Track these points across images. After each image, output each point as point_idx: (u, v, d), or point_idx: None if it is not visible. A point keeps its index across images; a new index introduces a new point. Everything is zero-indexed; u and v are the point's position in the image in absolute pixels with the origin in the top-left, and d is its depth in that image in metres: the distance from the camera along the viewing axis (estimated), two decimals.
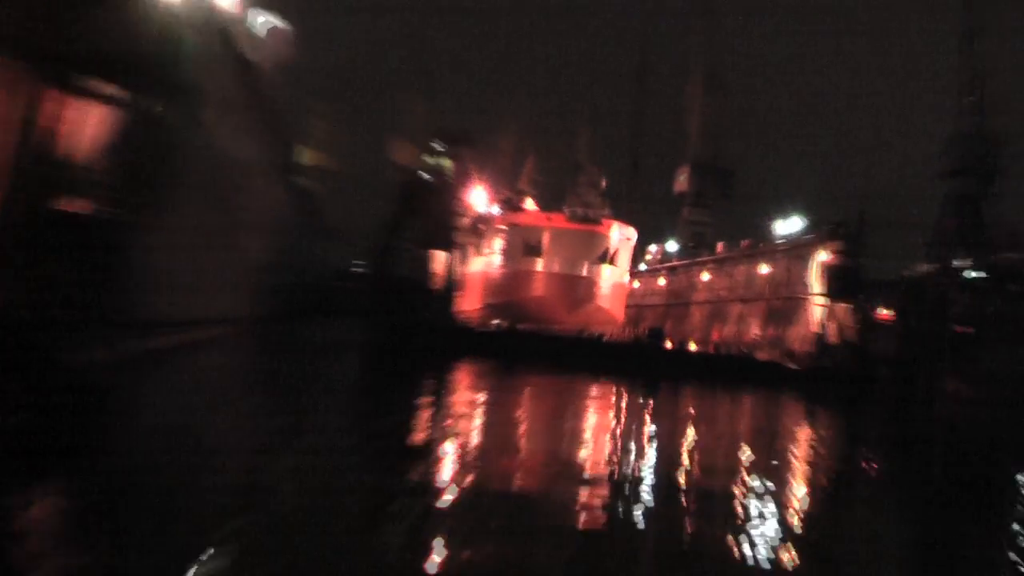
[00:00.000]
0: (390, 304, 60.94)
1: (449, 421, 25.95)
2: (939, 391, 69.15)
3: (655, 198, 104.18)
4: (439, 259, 63.41)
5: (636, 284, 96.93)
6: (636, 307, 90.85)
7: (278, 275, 57.73)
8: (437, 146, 64.32)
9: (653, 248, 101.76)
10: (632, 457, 21.99)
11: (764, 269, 72.62)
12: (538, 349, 59.06)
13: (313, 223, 79.48)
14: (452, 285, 62.80)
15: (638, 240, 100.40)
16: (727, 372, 58.50)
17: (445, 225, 61.44)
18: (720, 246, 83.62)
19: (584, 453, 22.40)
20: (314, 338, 56.38)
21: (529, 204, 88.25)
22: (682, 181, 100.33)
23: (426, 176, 63.37)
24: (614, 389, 43.01)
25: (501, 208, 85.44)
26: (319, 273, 75.79)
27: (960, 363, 67.97)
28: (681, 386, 48.25)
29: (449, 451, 20.80)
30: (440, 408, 29.19)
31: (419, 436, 23.16)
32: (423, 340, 54.70)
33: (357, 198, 77.54)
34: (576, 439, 24.70)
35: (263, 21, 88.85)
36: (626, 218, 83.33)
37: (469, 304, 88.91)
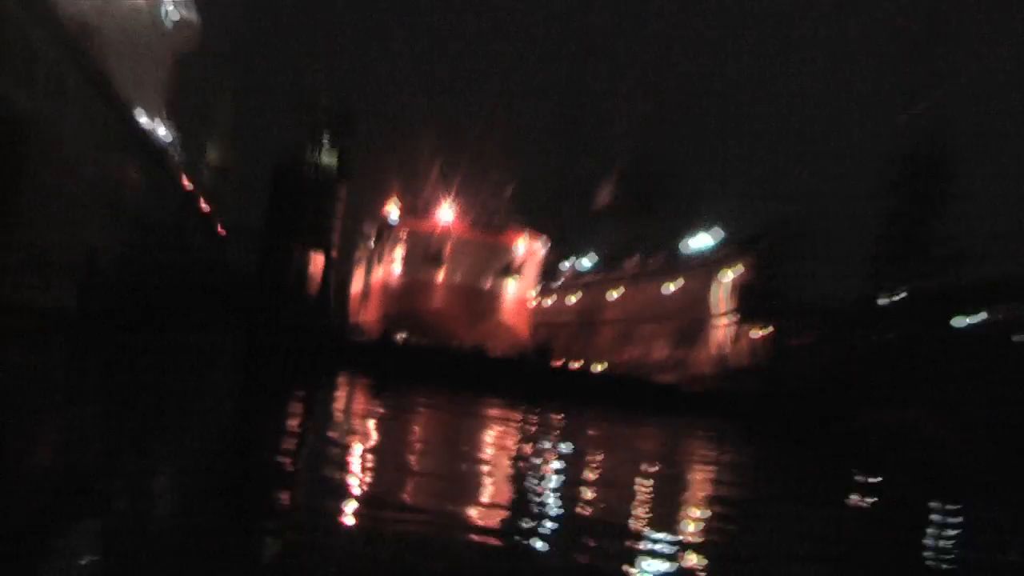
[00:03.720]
0: (257, 308, 55.49)
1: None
2: (864, 420, 65.59)
3: (578, 210, 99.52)
4: (316, 262, 58.02)
5: (549, 301, 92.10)
6: (548, 325, 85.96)
7: (129, 268, 51.86)
8: (322, 138, 58.82)
9: (567, 264, 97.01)
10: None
11: (674, 287, 68.18)
12: (415, 364, 54.16)
13: (193, 218, 73.69)
14: (327, 290, 57.31)
15: (556, 255, 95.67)
16: (617, 394, 54.13)
17: (321, 225, 55.97)
18: (632, 262, 79.10)
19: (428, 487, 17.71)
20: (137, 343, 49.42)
21: (445, 209, 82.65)
22: (605, 194, 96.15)
23: (307, 171, 57.91)
24: (490, 411, 37.99)
25: (403, 212, 79.95)
26: (194, 270, 69.77)
27: (892, 393, 64.64)
28: (565, 408, 43.61)
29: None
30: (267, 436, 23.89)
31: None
32: (284, 350, 49.24)
33: (255, 194, 71.77)
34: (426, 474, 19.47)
35: (171, 11, 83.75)
36: (545, 230, 78.43)
37: (369, 314, 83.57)
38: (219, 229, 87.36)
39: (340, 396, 38.53)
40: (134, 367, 36.02)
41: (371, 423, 28.01)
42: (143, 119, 64.10)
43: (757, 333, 60.99)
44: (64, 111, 39.28)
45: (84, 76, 41.19)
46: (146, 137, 57.54)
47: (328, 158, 57.16)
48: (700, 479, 24.77)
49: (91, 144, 42.66)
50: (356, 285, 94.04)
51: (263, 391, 34.75)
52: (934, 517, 22.45)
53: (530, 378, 52.49)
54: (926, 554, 17.03)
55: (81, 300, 43.93)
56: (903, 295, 65.63)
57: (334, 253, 59.12)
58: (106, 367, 35.48)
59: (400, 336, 72.15)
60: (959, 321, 65.64)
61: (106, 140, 45.24)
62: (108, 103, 45.84)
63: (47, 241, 38.82)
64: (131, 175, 51.36)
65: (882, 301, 64.80)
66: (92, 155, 42.99)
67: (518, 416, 36.81)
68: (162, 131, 73.41)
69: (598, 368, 70.85)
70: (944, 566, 16.31)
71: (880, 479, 32.94)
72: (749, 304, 60.63)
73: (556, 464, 22.75)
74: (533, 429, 32.30)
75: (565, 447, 27.80)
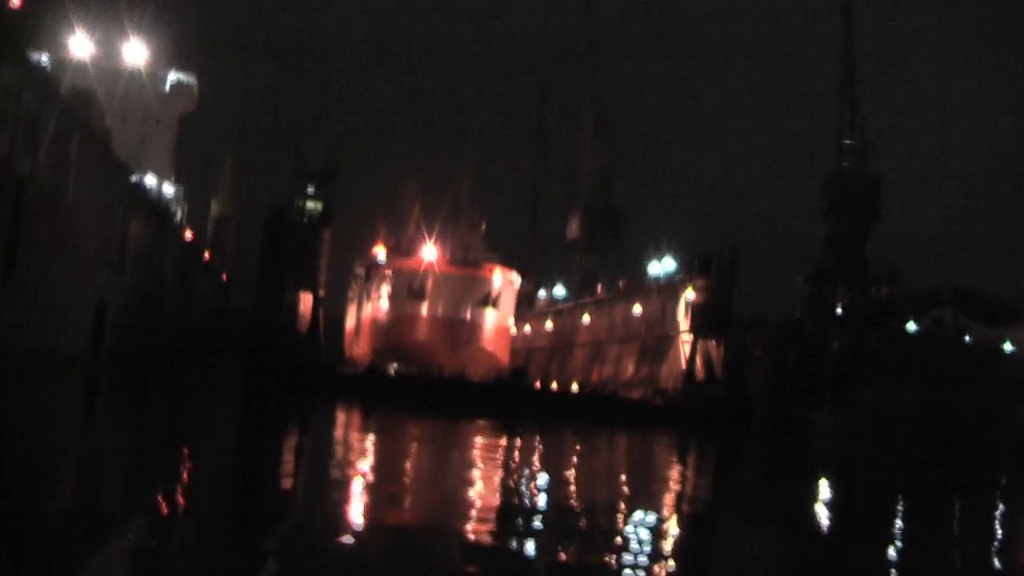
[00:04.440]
0: (255, 346, 60.83)
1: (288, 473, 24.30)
2: (814, 426, 70.72)
3: (548, 244, 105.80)
4: (306, 301, 63.62)
5: (527, 328, 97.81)
6: (527, 351, 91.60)
7: (137, 314, 57.30)
8: (307, 188, 64.71)
9: (542, 294, 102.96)
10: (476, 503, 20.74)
11: (638, 309, 73.91)
12: (400, 392, 59.51)
13: (197, 264, 79.35)
14: (316, 326, 62.83)
15: (532, 286, 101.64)
16: (591, 411, 59.38)
17: (308, 267, 61.62)
18: (599, 288, 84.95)
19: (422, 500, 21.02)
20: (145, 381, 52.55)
21: (426, 248, 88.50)
22: (574, 228, 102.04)
23: (298, 217, 63.72)
24: (468, 430, 42.60)
25: (389, 253, 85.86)
26: (197, 313, 75.25)
27: (836, 398, 69.67)
28: (542, 425, 47.83)
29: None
30: (281, 457, 27.62)
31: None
32: (278, 384, 54.21)
33: (252, 240, 77.57)
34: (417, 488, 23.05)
35: (169, 75, 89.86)
36: (521, 263, 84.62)
37: (361, 348, 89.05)
38: (223, 275, 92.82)
39: (330, 423, 41.79)
40: (139, 406, 38.99)
41: (357, 447, 31.17)
42: (149, 176, 69.96)
43: (712, 347, 66.52)
44: (66, 173, 44.32)
45: (84, 140, 46.27)
46: (147, 194, 63.17)
47: (313, 205, 63.03)
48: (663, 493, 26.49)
49: (94, 202, 47.92)
50: (350, 322, 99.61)
51: (258, 425, 37.21)
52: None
53: (506, 400, 57.91)
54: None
55: (92, 344, 49.23)
56: (842, 308, 71.39)
57: (321, 292, 64.68)
58: (114, 406, 38.97)
59: (392, 366, 77.78)
60: (909, 326, 71.21)
61: (108, 199, 50.64)
62: (108, 164, 51.22)
63: (57, 291, 43.88)
64: (135, 230, 56.99)
65: (823, 314, 70.47)
66: (96, 213, 48.27)
67: (493, 437, 40.00)
68: (168, 187, 79.33)
69: (573, 387, 76.49)
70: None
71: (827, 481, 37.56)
72: (704, 321, 66.13)
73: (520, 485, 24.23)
74: (499, 453, 33.93)
75: (532, 466, 30.29)
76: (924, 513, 28.28)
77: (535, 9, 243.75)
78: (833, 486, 35.85)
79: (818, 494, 31.55)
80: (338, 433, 38.58)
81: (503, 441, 39.04)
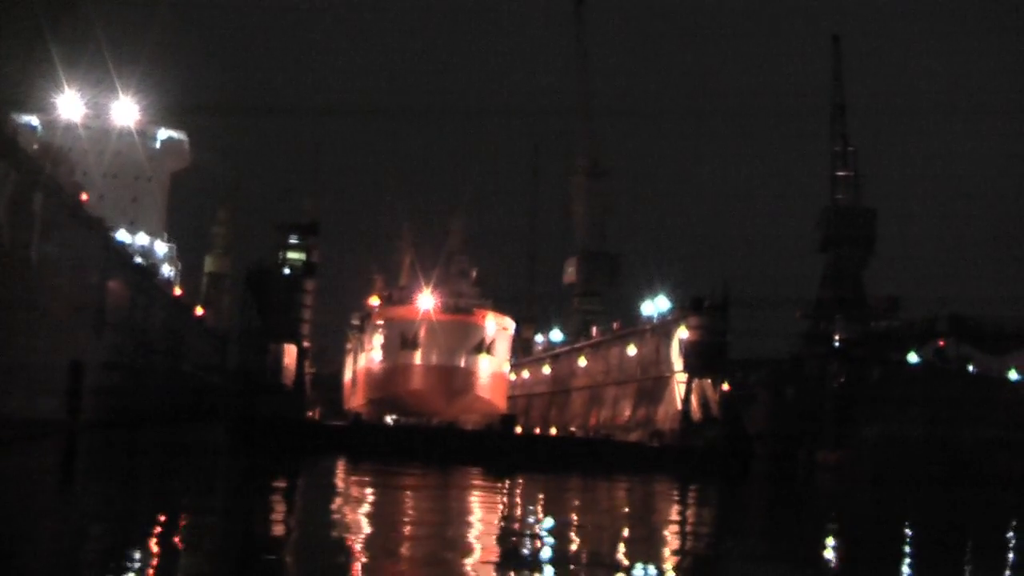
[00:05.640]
0: (240, 401, 59.90)
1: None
2: (816, 464, 68.97)
3: (546, 289, 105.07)
4: (290, 353, 62.71)
5: (526, 374, 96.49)
6: (526, 396, 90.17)
7: (119, 374, 56.47)
8: (290, 237, 64.10)
9: (540, 338, 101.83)
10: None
11: (633, 351, 72.57)
12: (390, 442, 58.37)
13: (188, 321, 78.70)
14: (301, 379, 61.82)
15: (531, 331, 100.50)
16: (583, 455, 57.96)
17: (291, 319, 60.81)
18: (595, 331, 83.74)
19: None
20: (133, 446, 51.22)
21: (419, 297, 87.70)
22: (571, 272, 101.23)
23: (280, 268, 63.07)
24: (458, 481, 41.70)
25: (382, 303, 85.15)
26: (191, 371, 74.43)
27: (839, 436, 68.05)
28: (529, 471, 47.09)
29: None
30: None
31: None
32: (263, 439, 53.24)
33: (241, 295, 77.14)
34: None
35: (160, 132, 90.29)
36: (519, 311, 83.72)
37: (357, 399, 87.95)
38: (214, 331, 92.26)
39: (315, 476, 41.58)
40: (117, 469, 38.30)
41: (341, 501, 30.89)
42: (140, 235, 69.48)
43: (709, 387, 65.00)
44: (30, 232, 43.70)
45: (49, 197, 45.57)
46: (127, 251, 62.70)
47: (295, 255, 62.34)
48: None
49: (68, 265, 47.33)
50: (347, 374, 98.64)
51: (242, 482, 37.07)
52: None
53: (495, 448, 56.67)
54: None
55: (68, 407, 48.24)
56: (841, 341, 69.91)
57: (306, 344, 63.76)
58: (89, 472, 37.80)
59: (390, 417, 76.59)
60: (911, 358, 69.67)
61: (82, 256, 50.05)
62: (80, 221, 50.67)
63: (29, 355, 43.02)
64: (115, 287, 56.36)
65: (822, 349, 69.00)
66: (69, 275, 47.63)
67: (474, 487, 39.44)
68: (160, 244, 78.96)
69: (571, 431, 75.05)
70: None
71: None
72: (699, 360, 64.70)
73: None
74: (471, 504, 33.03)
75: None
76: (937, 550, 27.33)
77: (527, 64, 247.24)
78: (841, 525, 34.41)
79: (826, 533, 30.59)
80: (318, 484, 37.70)
81: (481, 493, 37.83)
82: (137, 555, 17.87)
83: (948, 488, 53.71)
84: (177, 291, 76.91)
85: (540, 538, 24.09)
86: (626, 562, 20.40)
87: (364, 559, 19.51)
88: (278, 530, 23.93)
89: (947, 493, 51.50)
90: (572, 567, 19.66)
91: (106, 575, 16.26)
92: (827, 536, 29.91)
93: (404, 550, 21.05)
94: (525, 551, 21.13)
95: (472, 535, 23.72)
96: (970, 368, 67.91)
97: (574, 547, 22.83)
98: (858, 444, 65.70)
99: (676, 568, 19.70)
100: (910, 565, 23.84)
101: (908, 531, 32.61)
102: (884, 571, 22.03)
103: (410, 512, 29.67)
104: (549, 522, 28.04)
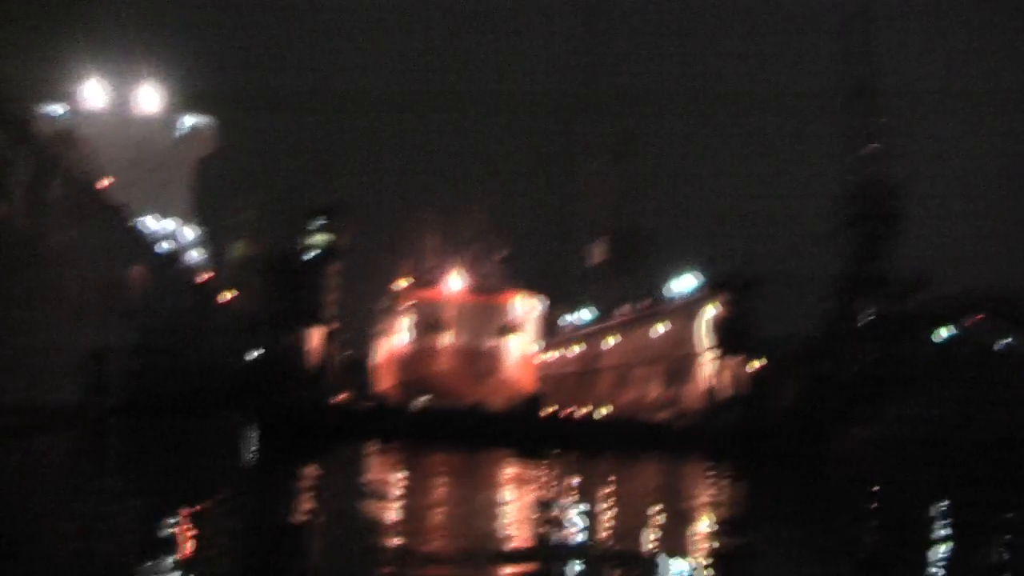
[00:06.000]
0: (264, 387, 60.04)
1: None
2: (847, 441, 67.70)
3: (577, 268, 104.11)
4: (315, 337, 62.68)
5: (556, 355, 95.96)
6: (555, 377, 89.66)
7: (141, 361, 56.78)
8: (315, 220, 63.97)
9: (568, 318, 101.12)
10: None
11: (661, 329, 71.74)
12: (411, 425, 58.32)
13: (211, 309, 79.10)
14: (325, 365, 61.78)
15: (559, 311, 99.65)
16: (611, 437, 57.49)
17: (316, 301, 60.77)
18: (624, 310, 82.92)
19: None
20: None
21: (446, 278, 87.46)
22: (600, 251, 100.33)
23: (304, 251, 63.04)
24: (482, 463, 41.69)
25: (409, 285, 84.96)
26: (221, 357, 74.83)
27: (869, 413, 66.68)
28: (558, 453, 47.00)
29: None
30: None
31: None
32: (288, 426, 53.30)
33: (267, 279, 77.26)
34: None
35: (186, 120, 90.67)
36: (549, 291, 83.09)
37: (385, 383, 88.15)
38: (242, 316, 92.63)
39: (337, 461, 41.98)
40: (140, 459, 38.70)
41: (367, 488, 31.12)
42: (168, 220, 69.73)
43: (737, 365, 64.08)
44: (46, 219, 43.80)
45: (66, 184, 45.65)
46: (150, 237, 62.99)
47: (320, 238, 62.22)
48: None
49: (87, 251, 47.45)
50: (376, 357, 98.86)
51: (270, 469, 37.61)
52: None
53: (520, 429, 56.37)
54: None
55: (90, 395, 48.54)
56: (871, 319, 68.27)
57: (334, 326, 63.69)
58: (114, 460, 38.61)
59: (420, 400, 76.56)
60: (937, 336, 68.02)
61: (101, 243, 50.21)
62: (98, 208, 50.81)
63: (50, 343, 43.24)
64: (137, 273, 56.59)
65: (851, 326, 67.50)
66: (85, 258, 47.73)
67: (495, 467, 39.85)
68: (188, 230, 79.20)
69: (602, 412, 74.39)
70: None
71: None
72: (727, 339, 63.80)
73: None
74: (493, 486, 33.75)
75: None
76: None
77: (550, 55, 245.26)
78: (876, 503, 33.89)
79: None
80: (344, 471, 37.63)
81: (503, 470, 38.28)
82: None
83: (976, 468, 52.45)
84: (205, 276, 77.24)
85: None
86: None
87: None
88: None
89: (975, 472, 50.23)
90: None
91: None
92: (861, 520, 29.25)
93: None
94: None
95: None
96: (1006, 343, 66.13)
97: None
98: (889, 422, 64.43)
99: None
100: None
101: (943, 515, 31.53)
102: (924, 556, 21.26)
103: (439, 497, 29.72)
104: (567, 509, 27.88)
